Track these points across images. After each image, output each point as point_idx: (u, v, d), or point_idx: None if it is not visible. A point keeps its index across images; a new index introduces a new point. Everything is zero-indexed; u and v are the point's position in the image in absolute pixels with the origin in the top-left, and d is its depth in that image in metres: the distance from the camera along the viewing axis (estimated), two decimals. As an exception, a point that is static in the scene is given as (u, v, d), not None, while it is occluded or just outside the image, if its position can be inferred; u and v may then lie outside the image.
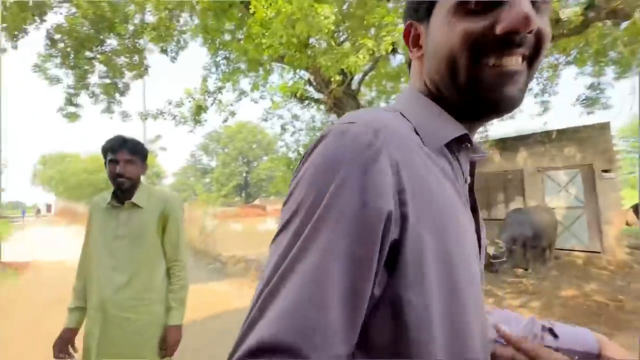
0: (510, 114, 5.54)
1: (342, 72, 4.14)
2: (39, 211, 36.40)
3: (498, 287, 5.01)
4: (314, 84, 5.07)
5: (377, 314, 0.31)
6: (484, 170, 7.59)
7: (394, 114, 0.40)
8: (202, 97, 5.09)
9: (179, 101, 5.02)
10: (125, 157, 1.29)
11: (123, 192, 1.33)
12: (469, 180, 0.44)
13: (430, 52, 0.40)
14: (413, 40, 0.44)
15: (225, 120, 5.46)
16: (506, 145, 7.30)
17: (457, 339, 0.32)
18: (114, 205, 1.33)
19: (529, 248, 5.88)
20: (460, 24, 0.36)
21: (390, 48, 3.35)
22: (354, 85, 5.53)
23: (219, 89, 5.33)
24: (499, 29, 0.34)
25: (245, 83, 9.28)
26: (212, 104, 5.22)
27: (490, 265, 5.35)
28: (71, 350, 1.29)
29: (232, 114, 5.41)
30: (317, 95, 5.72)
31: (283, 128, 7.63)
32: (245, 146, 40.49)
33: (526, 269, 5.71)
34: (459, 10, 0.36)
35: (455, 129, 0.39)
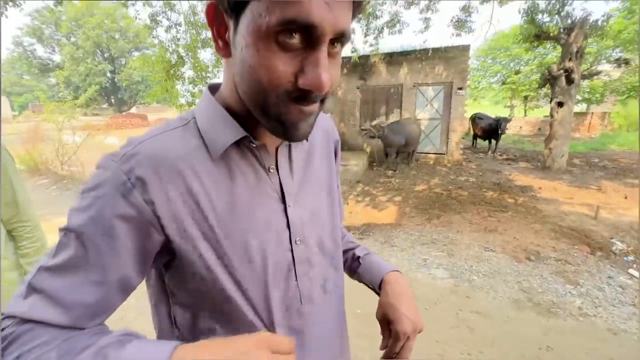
0: (398, 29, 5.73)
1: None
2: None
3: (373, 187, 6.11)
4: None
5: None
6: (373, 83, 8.16)
7: (183, 128, 0.45)
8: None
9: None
10: None
11: None
12: (273, 169, 0.48)
13: (239, 66, 0.39)
14: (217, 29, 0.40)
15: (58, 3, 3.81)
16: (392, 59, 7.83)
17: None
18: None
19: (400, 153, 7.17)
20: (271, 57, 0.36)
21: None
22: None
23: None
24: (300, 83, 0.36)
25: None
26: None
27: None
28: None
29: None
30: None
31: (153, 19, 6.01)
32: (103, 35, 30.59)
33: (395, 170, 7.06)
34: (269, 35, 0.35)
35: (233, 134, 0.43)
